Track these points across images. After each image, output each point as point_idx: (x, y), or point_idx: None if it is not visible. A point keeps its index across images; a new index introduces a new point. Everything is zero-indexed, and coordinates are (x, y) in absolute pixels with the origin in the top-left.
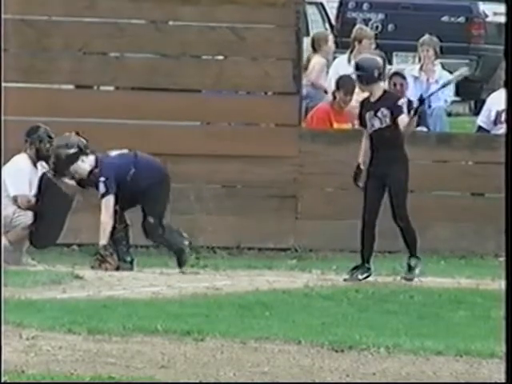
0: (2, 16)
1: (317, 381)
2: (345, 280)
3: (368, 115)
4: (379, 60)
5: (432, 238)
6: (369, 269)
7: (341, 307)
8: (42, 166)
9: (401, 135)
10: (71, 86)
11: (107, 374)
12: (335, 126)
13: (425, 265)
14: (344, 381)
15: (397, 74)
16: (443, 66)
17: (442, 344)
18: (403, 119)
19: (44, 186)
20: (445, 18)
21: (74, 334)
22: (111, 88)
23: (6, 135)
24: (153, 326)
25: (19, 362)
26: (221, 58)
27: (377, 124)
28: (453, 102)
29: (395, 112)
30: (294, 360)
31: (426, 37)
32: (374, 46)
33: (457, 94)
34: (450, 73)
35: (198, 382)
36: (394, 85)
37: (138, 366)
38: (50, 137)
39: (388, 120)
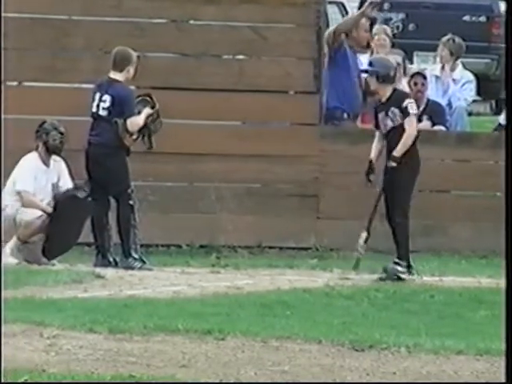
0: (3, 15)
1: (337, 380)
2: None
3: (380, 116)
4: (393, 61)
5: (453, 237)
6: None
7: (361, 306)
8: (55, 160)
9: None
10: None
11: (128, 373)
12: (360, 126)
13: (446, 264)
14: (364, 380)
15: (418, 73)
16: (464, 66)
17: (463, 343)
18: (407, 122)
19: (62, 202)
20: (466, 18)
21: (94, 333)
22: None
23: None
24: (174, 325)
25: (40, 361)
26: (242, 57)
27: (389, 124)
28: (473, 102)
29: (404, 113)
30: (315, 359)
31: (446, 37)
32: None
33: (477, 93)
34: (471, 72)
35: (218, 381)
36: (415, 84)
37: (158, 365)
38: (56, 129)
39: (399, 118)
